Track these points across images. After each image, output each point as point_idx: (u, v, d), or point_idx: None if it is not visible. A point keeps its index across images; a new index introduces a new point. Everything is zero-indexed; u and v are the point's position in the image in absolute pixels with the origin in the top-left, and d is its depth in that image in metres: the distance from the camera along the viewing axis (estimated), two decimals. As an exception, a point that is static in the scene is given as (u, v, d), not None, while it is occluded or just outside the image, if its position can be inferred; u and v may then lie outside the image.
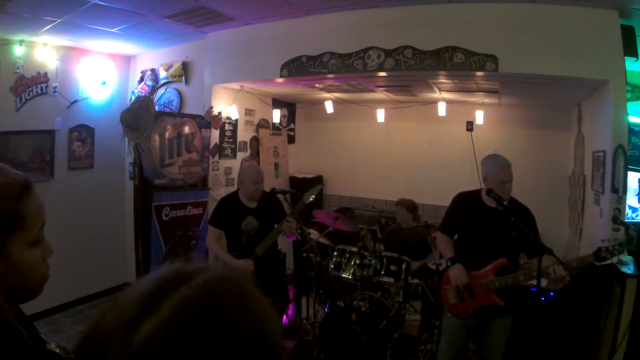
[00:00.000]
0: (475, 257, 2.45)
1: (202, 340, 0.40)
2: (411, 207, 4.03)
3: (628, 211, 3.13)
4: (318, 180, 5.76)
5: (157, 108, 4.15)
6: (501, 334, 2.48)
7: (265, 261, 3.07)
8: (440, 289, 2.61)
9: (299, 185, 5.38)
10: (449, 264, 2.52)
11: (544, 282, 3.09)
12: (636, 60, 3.02)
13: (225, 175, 4.61)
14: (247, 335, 0.44)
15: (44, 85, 4.14)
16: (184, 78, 4.62)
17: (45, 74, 4.15)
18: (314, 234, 4.03)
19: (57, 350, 0.75)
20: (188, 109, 4.56)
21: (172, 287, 0.44)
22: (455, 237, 2.67)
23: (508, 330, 2.49)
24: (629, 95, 3.28)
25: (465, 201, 2.60)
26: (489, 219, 2.44)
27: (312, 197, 3.07)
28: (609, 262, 2.16)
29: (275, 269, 3.26)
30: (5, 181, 0.68)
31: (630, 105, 3.25)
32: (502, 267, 2.37)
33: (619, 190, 2.81)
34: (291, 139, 5.89)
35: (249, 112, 4.97)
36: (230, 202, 3.16)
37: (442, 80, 3.77)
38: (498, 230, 2.40)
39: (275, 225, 3.05)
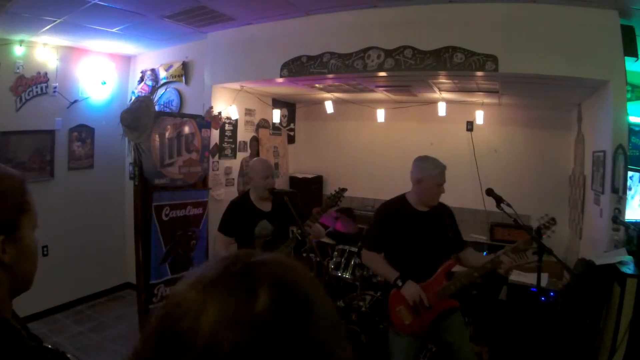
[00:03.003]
0: (418, 267, 2.35)
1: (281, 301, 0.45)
2: None
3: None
4: (318, 180, 5.76)
5: (157, 108, 4.15)
6: (459, 324, 2.45)
7: None
8: (390, 312, 2.40)
9: (299, 185, 5.38)
10: (399, 283, 2.32)
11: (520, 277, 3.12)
12: (636, 60, 3.02)
13: (225, 175, 4.61)
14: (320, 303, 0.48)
15: (44, 85, 4.15)
16: (184, 78, 4.63)
17: (45, 74, 4.16)
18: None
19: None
20: (188, 109, 4.56)
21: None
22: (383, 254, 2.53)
23: (464, 323, 2.51)
24: (629, 95, 3.28)
25: (395, 211, 2.49)
26: (423, 224, 2.40)
27: (339, 203, 2.96)
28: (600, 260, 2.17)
29: None
30: (11, 176, 0.79)
31: (630, 105, 3.25)
32: (450, 270, 2.36)
33: (619, 190, 2.81)
34: (291, 139, 5.89)
35: (249, 112, 4.97)
36: (241, 205, 2.88)
37: (442, 80, 3.76)
38: (434, 233, 2.38)
39: (293, 230, 2.84)
